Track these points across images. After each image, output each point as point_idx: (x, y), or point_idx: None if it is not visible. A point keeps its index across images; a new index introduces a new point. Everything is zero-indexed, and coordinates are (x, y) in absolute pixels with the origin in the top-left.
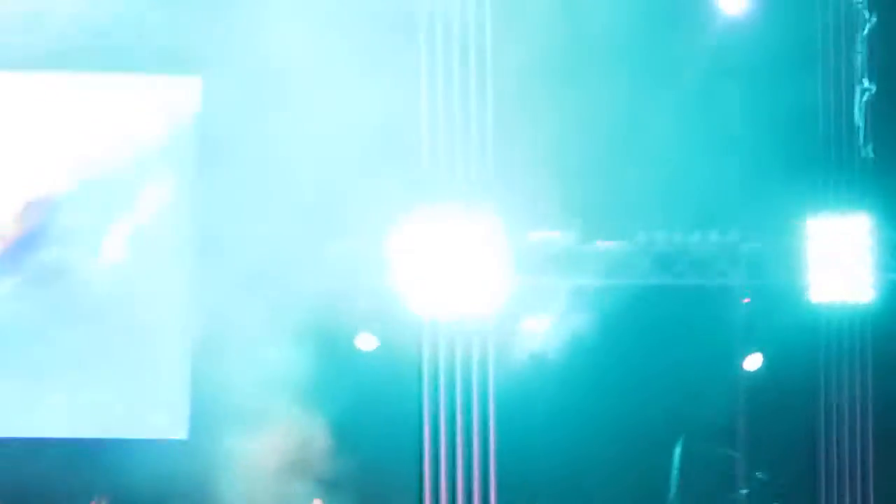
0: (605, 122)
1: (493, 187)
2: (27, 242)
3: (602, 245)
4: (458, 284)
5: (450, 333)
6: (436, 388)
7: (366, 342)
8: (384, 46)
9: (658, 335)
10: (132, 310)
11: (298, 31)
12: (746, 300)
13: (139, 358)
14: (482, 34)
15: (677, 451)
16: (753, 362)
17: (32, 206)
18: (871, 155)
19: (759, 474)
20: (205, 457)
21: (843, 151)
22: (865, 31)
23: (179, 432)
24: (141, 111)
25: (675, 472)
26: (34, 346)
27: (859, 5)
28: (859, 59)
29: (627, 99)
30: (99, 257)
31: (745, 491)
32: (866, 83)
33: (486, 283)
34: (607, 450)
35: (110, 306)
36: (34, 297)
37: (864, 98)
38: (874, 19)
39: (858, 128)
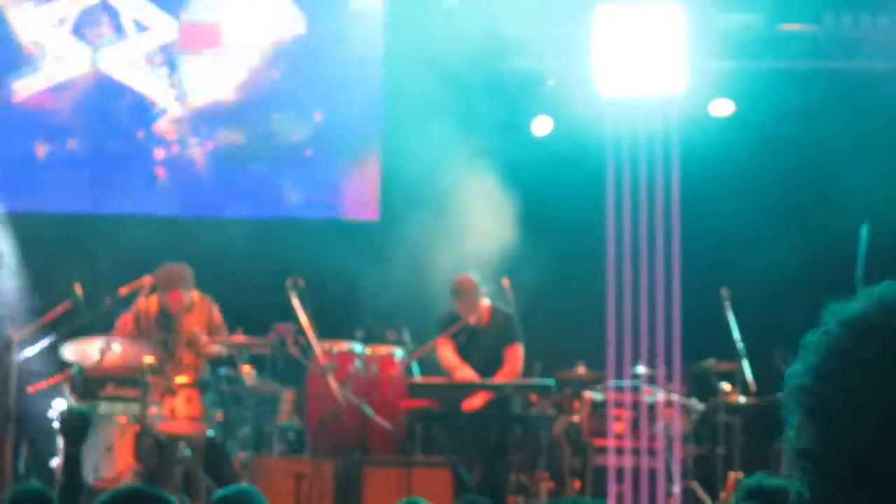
0: None
1: None
2: None
3: (788, 27)
4: (643, 66)
5: (634, 115)
6: (619, 168)
7: (543, 126)
8: None
9: (843, 120)
10: None
11: None
12: None
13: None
14: None
15: (863, 232)
16: None
17: None
18: None
19: None
20: (395, 238)
21: None
22: None
23: (371, 214)
24: None
25: (861, 252)
26: None
27: None
28: None
29: None
30: None
31: None
32: None
33: (672, 64)
34: (789, 232)
35: None
36: None
37: None
38: None
39: None
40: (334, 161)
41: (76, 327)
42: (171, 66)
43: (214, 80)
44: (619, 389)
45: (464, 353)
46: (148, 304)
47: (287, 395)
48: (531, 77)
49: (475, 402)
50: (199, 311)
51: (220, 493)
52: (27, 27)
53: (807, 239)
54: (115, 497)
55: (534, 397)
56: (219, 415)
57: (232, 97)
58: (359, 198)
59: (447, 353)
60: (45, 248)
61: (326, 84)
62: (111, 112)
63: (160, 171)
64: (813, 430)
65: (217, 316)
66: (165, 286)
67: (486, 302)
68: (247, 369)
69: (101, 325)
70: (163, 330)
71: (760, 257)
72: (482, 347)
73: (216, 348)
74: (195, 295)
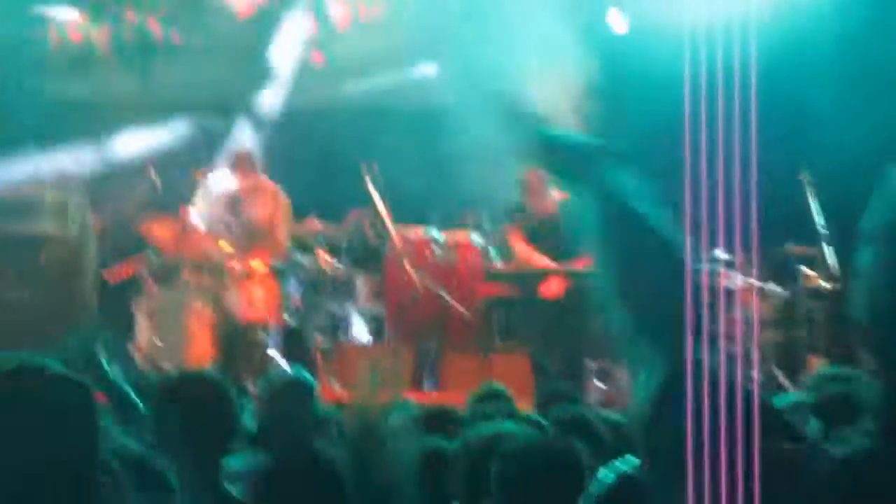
0: None
1: None
2: None
3: None
4: None
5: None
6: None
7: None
8: None
9: None
10: None
11: None
12: None
13: None
14: None
15: None
16: None
17: None
18: None
19: None
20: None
21: None
22: None
23: None
24: None
25: None
26: None
27: None
28: None
29: None
30: None
31: None
32: None
33: None
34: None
35: None
36: None
37: None
38: None
39: None
40: None
41: (152, 210)
42: None
43: None
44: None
45: (536, 241)
46: (217, 187)
47: (364, 281)
48: None
49: (555, 288)
50: (268, 202)
51: (272, 376)
52: None
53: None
54: (178, 381)
55: None
56: (296, 300)
57: None
58: None
59: (520, 243)
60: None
61: None
62: None
63: None
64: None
65: (284, 210)
66: (237, 170)
67: (555, 193)
68: (323, 255)
69: (176, 209)
70: (231, 216)
71: (843, 142)
72: (555, 238)
73: (279, 250)
74: (268, 185)
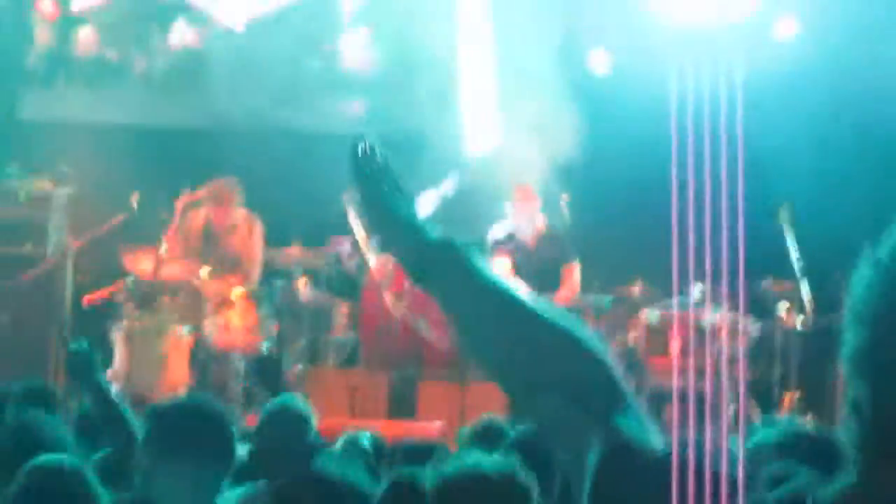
0: None
1: None
2: None
3: None
4: None
5: (699, 41)
6: (683, 88)
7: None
8: None
9: None
10: None
11: None
12: None
13: None
14: None
15: None
16: None
17: None
18: None
19: None
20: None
21: None
22: None
23: None
24: None
25: None
26: None
27: None
28: None
29: None
30: None
31: None
32: None
33: None
34: (852, 154)
35: None
36: None
37: None
38: None
39: None
40: None
41: (131, 238)
42: None
43: None
44: (676, 308)
45: (518, 270)
46: (195, 215)
47: (342, 309)
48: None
49: None
50: (241, 231)
51: (268, 404)
52: None
53: (871, 161)
54: (175, 408)
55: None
56: (274, 327)
57: None
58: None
59: (500, 271)
60: (103, 158)
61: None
62: None
63: None
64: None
65: (257, 237)
66: (213, 201)
67: (541, 218)
68: (302, 282)
69: (156, 237)
70: (205, 244)
71: (822, 177)
72: (537, 265)
73: (250, 279)
74: (241, 214)
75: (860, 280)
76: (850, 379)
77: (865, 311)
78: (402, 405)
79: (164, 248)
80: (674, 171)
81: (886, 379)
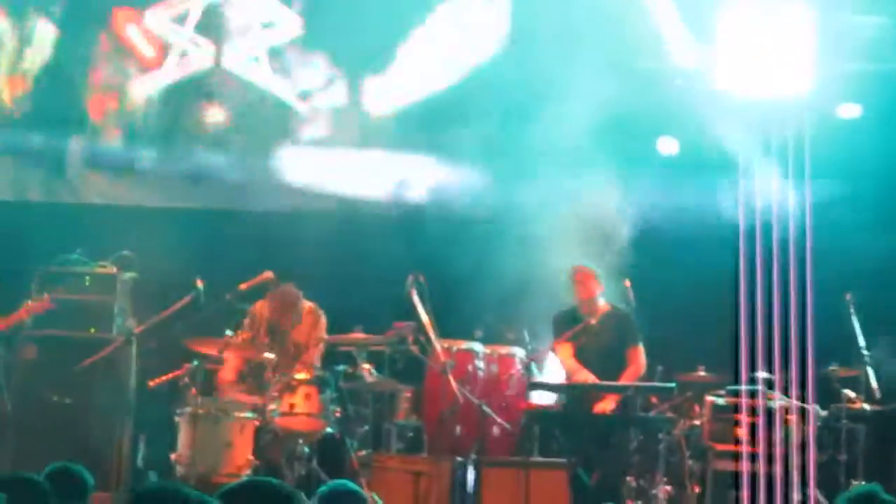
0: None
1: None
2: None
3: None
4: (770, 66)
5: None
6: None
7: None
8: None
9: None
10: None
11: None
12: None
13: None
14: None
15: None
16: None
17: None
18: None
19: None
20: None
21: None
22: None
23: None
24: None
25: None
26: None
27: None
28: None
29: None
30: None
31: None
32: None
33: (799, 65)
34: None
35: None
36: None
37: None
38: None
39: None
40: None
41: (197, 322)
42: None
43: None
44: (741, 394)
45: (582, 353)
46: (262, 307)
47: (405, 393)
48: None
49: (607, 405)
50: (306, 323)
51: (322, 488)
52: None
53: None
54: (243, 488)
55: (654, 400)
56: (337, 412)
57: None
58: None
59: (566, 356)
60: (167, 241)
61: None
62: None
63: None
64: None
65: (321, 329)
66: (278, 309)
67: (604, 301)
68: (366, 366)
69: (221, 321)
70: (271, 338)
71: (888, 262)
72: (601, 348)
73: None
74: (305, 307)
75: None
76: None
77: None
78: (465, 491)
79: (233, 336)
80: (742, 259)
81: None
